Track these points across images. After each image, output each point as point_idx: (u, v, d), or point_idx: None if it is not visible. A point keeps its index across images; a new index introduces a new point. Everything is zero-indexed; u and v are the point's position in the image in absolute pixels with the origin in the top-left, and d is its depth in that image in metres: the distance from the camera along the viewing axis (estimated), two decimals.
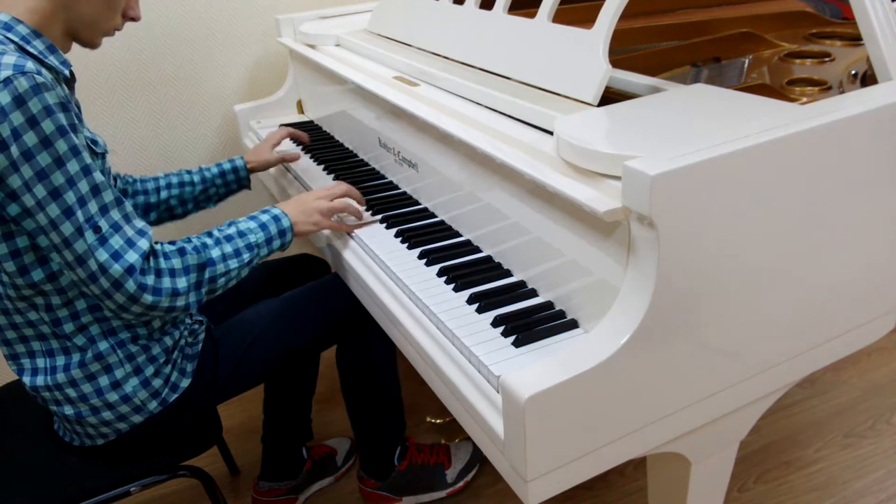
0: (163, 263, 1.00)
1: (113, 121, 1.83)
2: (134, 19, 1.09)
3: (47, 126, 0.88)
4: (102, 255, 0.93)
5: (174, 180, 1.41)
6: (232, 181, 1.46)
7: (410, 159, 1.32)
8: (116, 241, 0.95)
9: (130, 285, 0.95)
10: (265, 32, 1.95)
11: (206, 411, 1.22)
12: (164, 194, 1.39)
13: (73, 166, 0.91)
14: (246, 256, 1.09)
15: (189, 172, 1.43)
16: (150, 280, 0.97)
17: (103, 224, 0.94)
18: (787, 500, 1.51)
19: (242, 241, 1.10)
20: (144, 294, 0.97)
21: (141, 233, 0.98)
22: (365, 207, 1.32)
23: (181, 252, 1.02)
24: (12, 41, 0.94)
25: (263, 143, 1.53)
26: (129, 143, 1.87)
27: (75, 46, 1.07)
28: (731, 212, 0.79)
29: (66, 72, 1.01)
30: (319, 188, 1.25)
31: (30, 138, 0.87)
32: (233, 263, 1.07)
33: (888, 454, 1.61)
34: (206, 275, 1.04)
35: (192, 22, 1.84)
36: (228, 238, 1.09)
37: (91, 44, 1.06)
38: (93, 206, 0.93)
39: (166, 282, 0.99)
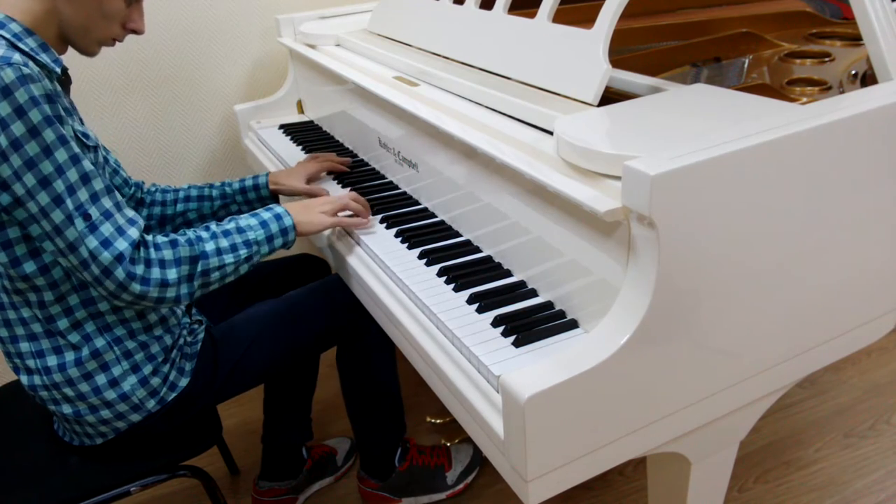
0: (153, 254, 1.00)
1: (113, 121, 1.83)
2: (136, 32, 1.08)
3: (34, 115, 0.89)
4: (92, 242, 0.95)
5: (193, 193, 1.37)
6: (254, 199, 1.41)
7: (410, 159, 1.32)
8: (107, 229, 0.96)
9: (120, 273, 0.96)
10: (265, 32, 1.95)
11: (205, 411, 1.22)
12: (180, 207, 1.36)
13: (61, 155, 0.92)
14: (243, 252, 1.09)
15: (210, 186, 1.39)
16: (139, 269, 0.98)
17: (94, 212, 0.95)
18: (787, 500, 1.51)
19: (241, 237, 1.09)
20: (133, 283, 0.97)
21: (131, 222, 0.99)
22: (370, 216, 1.30)
23: (173, 244, 1.02)
24: (4, 38, 0.94)
25: (299, 168, 1.45)
26: (129, 143, 1.87)
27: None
28: (731, 212, 0.79)
29: (58, 70, 1.00)
30: (326, 197, 1.26)
31: (18, 128, 0.89)
32: (228, 258, 1.07)
33: (888, 454, 1.61)
34: (199, 268, 1.04)
35: (193, 22, 1.84)
36: (226, 233, 1.09)
37: (86, 51, 1.06)
38: (83, 194, 0.94)
39: (156, 272, 0.99)
